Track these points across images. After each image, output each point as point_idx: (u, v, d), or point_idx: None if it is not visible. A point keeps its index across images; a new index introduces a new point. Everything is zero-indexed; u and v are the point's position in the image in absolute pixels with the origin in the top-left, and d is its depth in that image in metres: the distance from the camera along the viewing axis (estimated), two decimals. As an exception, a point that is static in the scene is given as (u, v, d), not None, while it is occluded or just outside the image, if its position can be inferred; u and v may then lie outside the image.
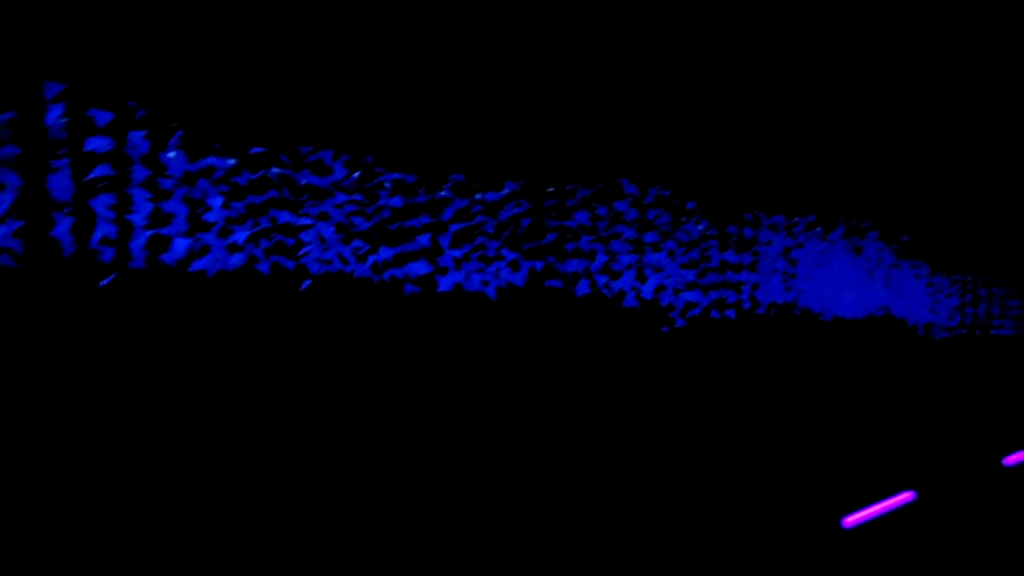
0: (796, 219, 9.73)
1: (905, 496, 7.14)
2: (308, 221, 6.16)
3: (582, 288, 7.65)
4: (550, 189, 7.38)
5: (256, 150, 5.70)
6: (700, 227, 8.61)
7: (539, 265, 7.33)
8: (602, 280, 7.76)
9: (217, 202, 5.44)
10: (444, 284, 6.84)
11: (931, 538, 5.87)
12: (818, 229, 10.05)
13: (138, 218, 5.04)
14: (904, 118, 11.01)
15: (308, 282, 6.27)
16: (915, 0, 10.40)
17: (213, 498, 5.42)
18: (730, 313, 8.85)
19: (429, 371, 6.81)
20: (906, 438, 9.64)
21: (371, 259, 6.47)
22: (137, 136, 4.99)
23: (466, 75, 6.86)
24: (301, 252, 6.15)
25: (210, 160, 5.43)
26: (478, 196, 6.99)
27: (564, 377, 7.51)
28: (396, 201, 6.56)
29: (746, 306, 9.08)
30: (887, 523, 6.28)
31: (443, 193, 6.81)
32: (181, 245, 5.21)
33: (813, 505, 6.58)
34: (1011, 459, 9.07)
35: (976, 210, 12.13)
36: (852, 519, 6.34)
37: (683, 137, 8.38)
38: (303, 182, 6.09)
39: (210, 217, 5.43)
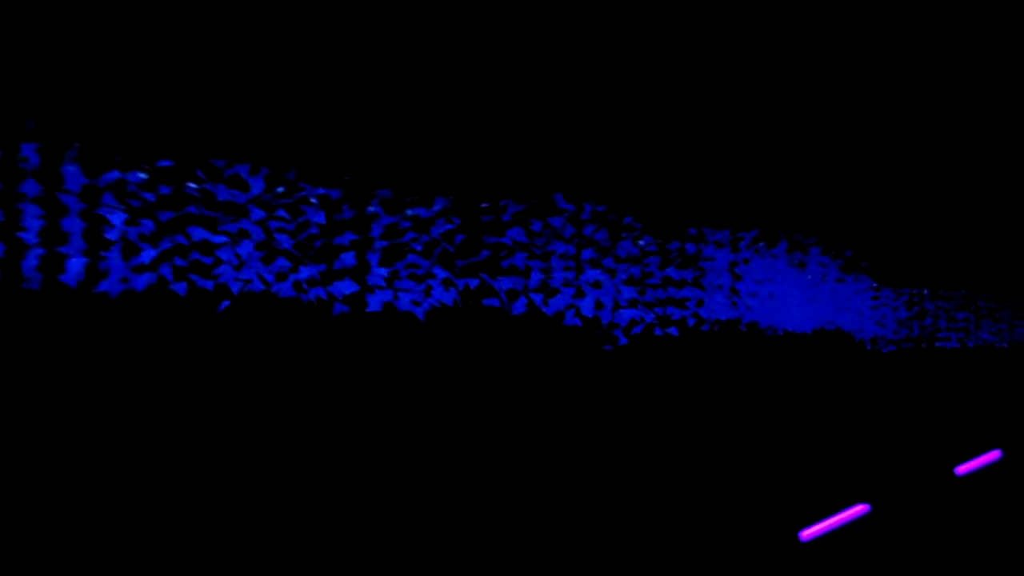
0: (740, 234, 9.65)
1: (860, 508, 7.05)
2: (225, 239, 5.88)
3: (519, 307, 7.43)
4: (484, 205, 7.18)
5: (164, 163, 5.42)
6: (641, 243, 8.47)
7: (473, 283, 7.10)
8: (539, 298, 7.55)
9: (120, 218, 5.14)
10: (373, 304, 6.58)
11: (888, 549, 5.76)
12: (762, 245, 9.99)
13: (29, 236, 4.72)
14: (846, 134, 11.07)
15: (227, 303, 5.97)
16: (855, 22, 10.50)
17: (123, 534, 5.05)
18: (673, 330, 8.69)
19: (359, 395, 6.51)
20: (858, 451, 9.53)
21: (293, 278, 6.19)
22: (28, 149, 4.69)
23: (391, 85, 6.66)
24: (218, 271, 5.86)
25: (113, 174, 5.15)
26: (409, 212, 6.77)
27: (504, 398, 7.25)
28: (320, 217, 6.31)
29: (691, 323, 8.93)
30: (844, 535, 6.16)
31: (370, 209, 6.58)
32: (77, 265, 4.88)
33: (770, 519, 6.42)
34: (963, 468, 9.01)
35: (921, 224, 12.20)
36: (809, 532, 6.23)
37: (619, 151, 8.26)
38: (220, 197, 5.82)
39: (112, 235, 5.13)
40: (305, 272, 6.23)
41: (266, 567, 4.59)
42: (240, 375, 6.03)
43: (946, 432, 10.90)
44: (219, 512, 5.49)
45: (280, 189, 6.13)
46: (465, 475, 6.76)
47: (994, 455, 9.79)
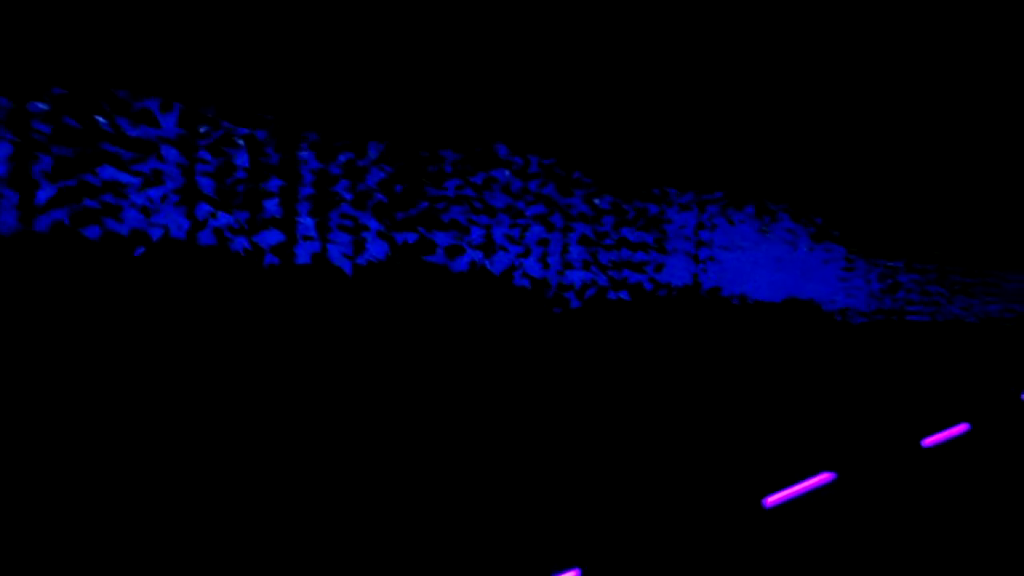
0: (704, 196, 9.34)
1: (824, 477, 6.89)
2: (138, 180, 5.51)
3: (460, 264, 7.08)
4: (423, 153, 6.83)
5: (58, 91, 5.05)
6: (598, 201, 8.14)
7: (411, 237, 6.76)
8: (482, 255, 7.21)
9: (7, 151, 4.77)
10: (301, 256, 6.23)
11: (852, 517, 5.59)
12: (729, 210, 9.68)
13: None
14: (819, 95, 10.76)
15: (142, 248, 5.62)
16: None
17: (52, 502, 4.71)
18: (624, 294, 8.37)
19: (285, 353, 6.17)
20: (825, 421, 9.28)
21: (213, 224, 5.83)
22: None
23: (323, 15, 6.29)
24: (129, 215, 5.49)
25: (1, 100, 4.77)
26: (341, 158, 6.41)
27: (443, 360, 6.92)
28: (243, 159, 5.95)
29: (648, 287, 8.61)
30: (808, 503, 5.98)
31: (300, 153, 6.22)
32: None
33: (734, 485, 6.22)
34: (930, 440, 8.80)
35: (897, 194, 11.92)
36: (773, 499, 6.09)
37: (572, 102, 7.91)
38: (130, 134, 5.45)
39: (1, 170, 4.76)
40: (227, 219, 5.88)
41: (186, 524, 4.28)
42: (157, 326, 5.69)
43: (915, 404, 10.67)
44: (138, 468, 5.17)
45: (202, 128, 5.78)
46: (400, 443, 6.45)
47: (961, 428, 9.57)
